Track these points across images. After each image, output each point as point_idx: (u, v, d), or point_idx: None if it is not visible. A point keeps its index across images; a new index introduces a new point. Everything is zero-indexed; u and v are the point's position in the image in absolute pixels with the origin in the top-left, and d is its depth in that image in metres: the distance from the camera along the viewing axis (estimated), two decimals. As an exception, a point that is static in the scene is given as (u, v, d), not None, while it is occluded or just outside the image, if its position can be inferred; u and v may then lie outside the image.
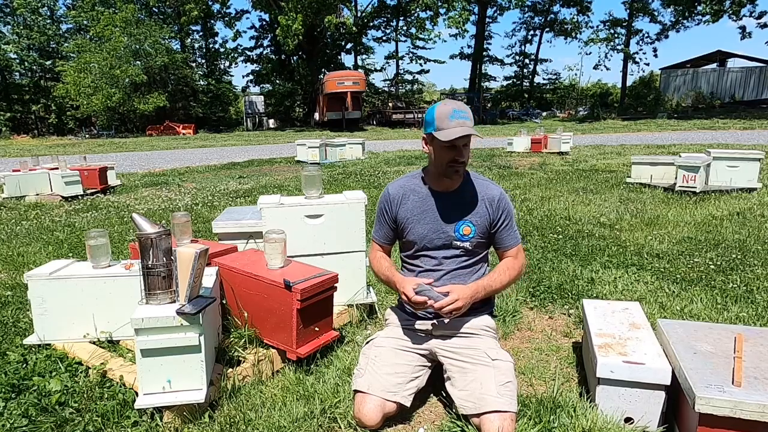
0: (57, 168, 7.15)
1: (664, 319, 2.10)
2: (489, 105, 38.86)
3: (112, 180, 7.99)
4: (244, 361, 1.98)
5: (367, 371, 1.73)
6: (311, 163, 10.23)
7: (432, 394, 1.87)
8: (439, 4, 29.53)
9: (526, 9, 37.30)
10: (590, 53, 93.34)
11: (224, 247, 2.41)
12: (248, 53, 39.10)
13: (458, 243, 1.82)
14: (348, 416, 1.69)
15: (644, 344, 1.70)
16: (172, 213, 2.40)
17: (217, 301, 2.07)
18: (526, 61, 41.17)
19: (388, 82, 43.21)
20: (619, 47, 33.04)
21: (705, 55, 30.66)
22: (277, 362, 2.06)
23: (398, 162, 10.35)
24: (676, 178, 5.82)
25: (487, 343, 1.77)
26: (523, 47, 40.90)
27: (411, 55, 39.66)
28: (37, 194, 6.78)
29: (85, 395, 1.81)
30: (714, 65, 30.82)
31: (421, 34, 35.12)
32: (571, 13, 35.84)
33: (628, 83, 35.23)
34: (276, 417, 1.70)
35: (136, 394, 1.76)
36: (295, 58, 37.12)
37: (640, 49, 35.02)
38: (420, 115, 28.75)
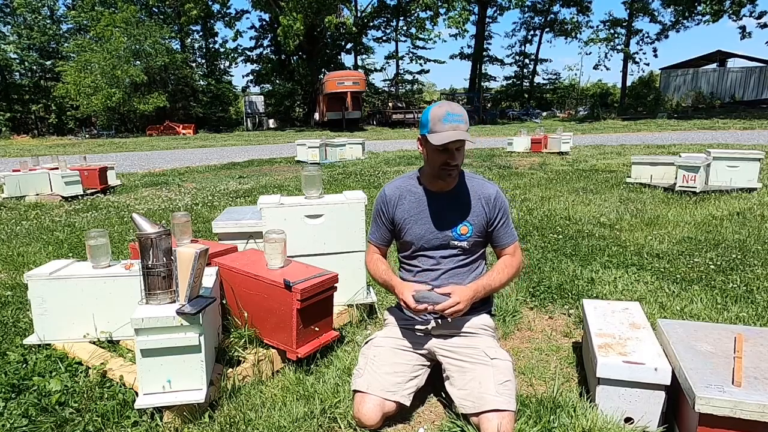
0: (57, 168, 7.15)
1: (664, 319, 2.10)
2: (489, 105, 38.85)
3: (112, 180, 7.99)
4: (244, 361, 1.98)
5: (366, 371, 1.73)
6: (311, 163, 10.23)
7: (432, 394, 1.87)
8: (439, 4, 29.54)
9: (526, 9, 37.35)
10: (590, 53, 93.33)
11: (224, 247, 2.41)
12: (248, 53, 39.15)
13: (455, 242, 1.82)
14: (348, 416, 1.69)
15: (644, 344, 1.70)
16: (172, 213, 2.40)
17: (217, 301, 2.07)
18: (526, 61, 41.21)
19: (388, 82, 43.29)
20: (619, 47, 33.03)
21: (705, 55, 30.66)
22: (277, 362, 2.06)
23: (398, 162, 10.35)
24: (676, 178, 5.82)
25: (485, 342, 1.77)
26: (523, 47, 40.99)
27: (411, 55, 39.74)
28: (37, 194, 6.78)
29: (85, 395, 1.81)
30: (714, 65, 30.82)
31: (421, 34, 35.16)
32: (571, 13, 35.92)
33: (628, 83, 35.25)
34: (276, 417, 1.70)
35: (136, 394, 1.76)
36: (295, 58, 37.12)
37: (640, 49, 35.04)
38: (420, 115, 28.71)
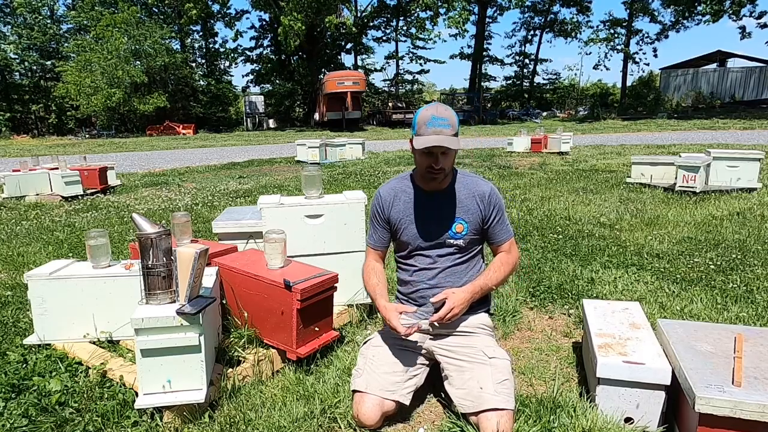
0: (57, 168, 7.15)
1: (664, 319, 2.10)
2: (489, 105, 38.87)
3: (112, 180, 7.99)
4: (244, 361, 1.98)
5: (365, 371, 1.73)
6: (311, 163, 10.23)
7: (432, 394, 1.87)
8: (439, 4, 29.54)
9: (526, 9, 37.38)
10: (590, 53, 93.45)
11: (224, 247, 2.41)
12: (248, 53, 39.12)
13: (451, 241, 1.83)
14: (348, 416, 1.69)
15: (644, 344, 1.70)
16: (172, 213, 2.40)
17: (217, 301, 2.07)
18: (526, 61, 41.23)
19: (388, 82, 43.31)
20: (619, 47, 33.05)
21: (705, 55, 30.67)
22: (277, 362, 2.06)
23: (398, 162, 10.35)
24: (676, 178, 5.82)
25: (484, 342, 1.78)
26: (523, 47, 41.01)
27: (411, 55, 39.75)
28: (37, 194, 6.78)
29: (85, 395, 1.81)
30: (714, 65, 30.82)
31: (421, 34, 35.20)
32: (571, 13, 36.00)
33: (628, 83, 35.26)
34: (276, 417, 1.70)
35: (136, 394, 1.76)
36: (295, 58, 37.11)
37: (640, 49, 35.08)
38: (419, 116, 28.68)
